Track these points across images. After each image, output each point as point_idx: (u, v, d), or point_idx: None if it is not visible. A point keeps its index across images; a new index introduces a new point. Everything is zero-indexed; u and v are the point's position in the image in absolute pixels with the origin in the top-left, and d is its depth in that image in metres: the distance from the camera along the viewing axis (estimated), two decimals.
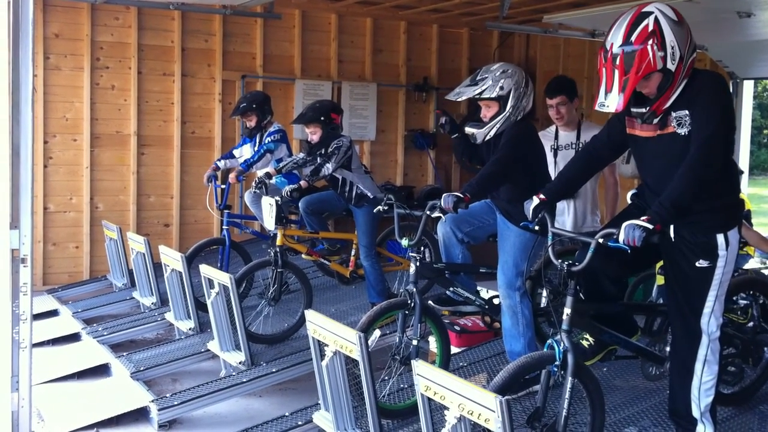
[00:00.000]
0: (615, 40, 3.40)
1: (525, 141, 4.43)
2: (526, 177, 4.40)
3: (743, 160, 8.75)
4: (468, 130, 4.46)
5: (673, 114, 3.48)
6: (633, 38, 3.36)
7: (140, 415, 5.05)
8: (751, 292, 4.40)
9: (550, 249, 3.62)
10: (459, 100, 4.38)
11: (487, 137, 4.40)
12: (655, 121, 3.54)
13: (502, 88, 4.30)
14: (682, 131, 3.47)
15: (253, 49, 9.01)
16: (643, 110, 3.51)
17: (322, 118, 6.06)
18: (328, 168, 5.99)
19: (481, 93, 4.31)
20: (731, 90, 8.18)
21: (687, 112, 3.45)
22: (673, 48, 3.37)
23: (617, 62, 3.37)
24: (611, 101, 3.39)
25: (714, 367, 3.72)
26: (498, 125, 4.37)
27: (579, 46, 9.36)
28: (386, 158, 9.88)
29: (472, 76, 4.39)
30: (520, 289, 4.46)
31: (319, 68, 9.38)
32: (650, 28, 3.36)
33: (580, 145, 5.58)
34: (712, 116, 3.40)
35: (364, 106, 9.56)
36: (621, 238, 3.30)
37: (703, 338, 3.68)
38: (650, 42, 3.34)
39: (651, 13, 3.40)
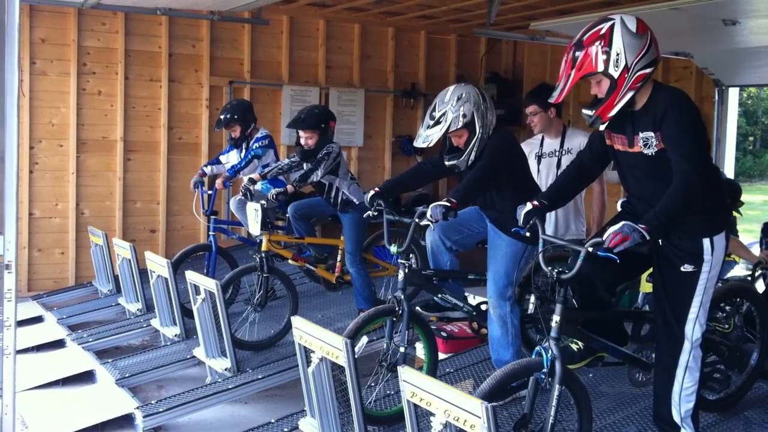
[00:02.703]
0: (575, 38, 3.56)
1: (507, 148, 4.46)
2: (514, 184, 4.41)
3: (729, 167, 8.80)
4: (448, 163, 4.49)
5: (640, 135, 3.56)
6: (585, 38, 3.52)
7: (125, 422, 5.02)
8: (737, 300, 4.42)
9: (540, 256, 3.63)
10: (431, 145, 4.38)
11: (470, 162, 4.43)
12: (601, 126, 3.64)
13: (464, 115, 4.31)
14: (649, 152, 3.55)
15: (241, 54, 9.00)
16: (590, 113, 3.60)
17: (322, 125, 6.04)
18: (317, 174, 5.98)
19: (448, 129, 4.32)
20: (717, 97, 8.24)
21: (652, 134, 3.51)
22: (618, 55, 3.47)
23: (568, 58, 3.53)
24: (556, 93, 3.58)
25: (696, 373, 3.74)
26: (476, 147, 4.39)
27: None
28: (374, 164, 9.88)
29: (430, 113, 4.40)
30: (510, 298, 4.47)
31: (307, 74, 9.37)
32: (602, 31, 3.50)
33: (563, 153, 5.58)
34: (687, 135, 3.46)
35: (352, 112, 9.56)
36: (614, 229, 3.32)
37: (685, 344, 3.70)
38: (597, 44, 3.49)
39: (612, 19, 3.53)
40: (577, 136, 5.61)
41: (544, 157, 5.64)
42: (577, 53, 3.51)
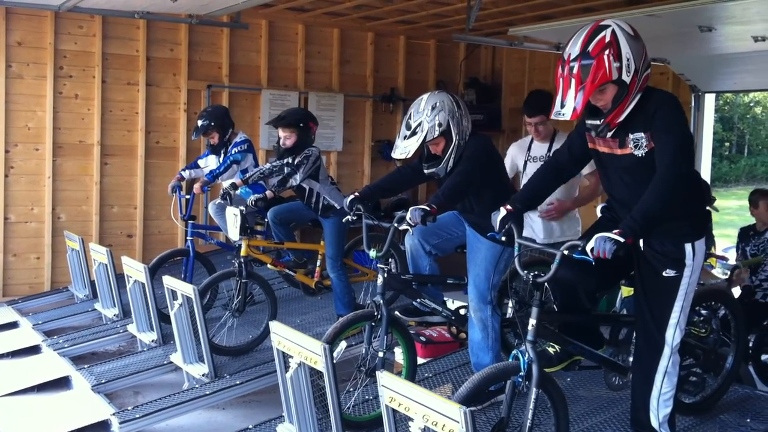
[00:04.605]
0: (573, 50, 3.46)
1: (485, 153, 4.47)
2: (493, 188, 4.42)
3: (705, 173, 8.88)
4: (427, 171, 4.50)
5: (631, 136, 3.55)
6: (590, 48, 3.43)
7: (101, 428, 4.97)
8: (713, 303, 4.46)
9: (516, 260, 3.64)
10: (410, 156, 4.38)
11: (449, 169, 4.44)
12: (609, 135, 3.60)
13: (440, 124, 4.32)
14: (639, 153, 3.55)
15: (219, 58, 8.97)
16: (597, 122, 3.56)
17: (301, 125, 6.04)
18: (296, 179, 5.97)
19: (425, 139, 4.32)
20: (693, 103, 8.32)
21: (643, 134, 3.52)
22: (628, 60, 3.44)
23: (574, 71, 3.43)
24: (567, 110, 3.44)
25: (674, 378, 3.77)
26: (453, 154, 4.40)
27: (544, 59, 9.46)
28: (353, 169, 9.88)
29: (406, 123, 4.39)
30: (491, 302, 4.47)
31: (286, 78, 9.36)
32: (607, 39, 3.43)
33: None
34: (673, 135, 3.48)
35: (331, 117, 9.55)
36: (590, 246, 3.32)
37: (665, 350, 3.72)
38: (606, 52, 3.41)
39: (608, 26, 3.48)
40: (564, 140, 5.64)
41: (531, 161, 5.69)
42: (586, 64, 3.41)
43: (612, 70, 3.41)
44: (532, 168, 5.63)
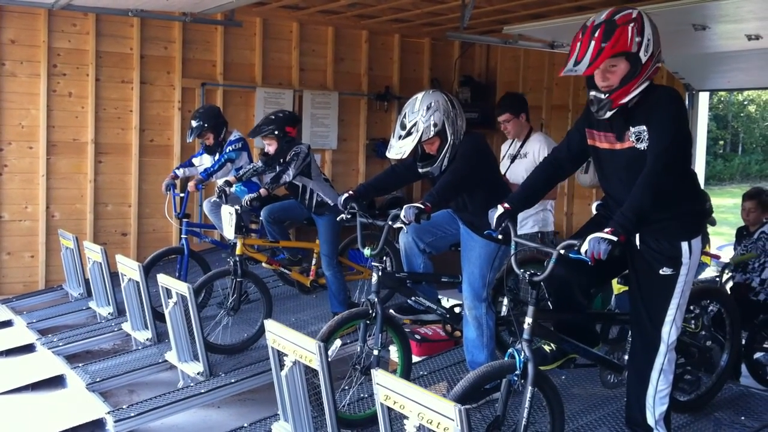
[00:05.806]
0: (598, 18, 3.47)
1: (478, 151, 4.47)
2: (486, 186, 4.43)
3: (699, 171, 8.90)
4: (422, 170, 4.51)
5: (632, 129, 3.54)
6: (617, 17, 3.44)
7: (96, 427, 4.96)
8: (706, 301, 4.47)
9: (512, 258, 3.64)
10: (405, 156, 4.38)
11: (443, 167, 4.44)
12: (608, 115, 3.55)
13: (435, 124, 4.32)
14: (641, 146, 3.53)
15: (214, 56, 8.95)
16: (602, 96, 3.52)
17: (276, 132, 6.07)
18: (289, 175, 5.98)
19: (420, 139, 4.32)
20: (687, 102, 8.33)
21: (644, 127, 3.51)
22: (649, 40, 3.46)
23: (596, 33, 3.42)
24: (581, 67, 3.42)
25: (669, 376, 3.77)
26: (448, 153, 4.41)
27: (538, 58, 9.46)
28: (348, 167, 9.87)
29: (401, 123, 4.39)
30: (486, 300, 4.48)
31: (280, 76, 9.35)
32: (633, 15, 3.46)
33: (520, 156, 5.84)
34: (667, 128, 3.47)
35: (326, 115, 9.55)
36: (584, 249, 3.32)
37: (661, 347, 3.73)
38: (631, 25, 3.43)
39: (634, 8, 3.50)
40: (535, 142, 5.82)
41: (505, 158, 5.99)
42: (609, 29, 3.40)
43: (633, 42, 3.41)
44: (504, 165, 5.89)
